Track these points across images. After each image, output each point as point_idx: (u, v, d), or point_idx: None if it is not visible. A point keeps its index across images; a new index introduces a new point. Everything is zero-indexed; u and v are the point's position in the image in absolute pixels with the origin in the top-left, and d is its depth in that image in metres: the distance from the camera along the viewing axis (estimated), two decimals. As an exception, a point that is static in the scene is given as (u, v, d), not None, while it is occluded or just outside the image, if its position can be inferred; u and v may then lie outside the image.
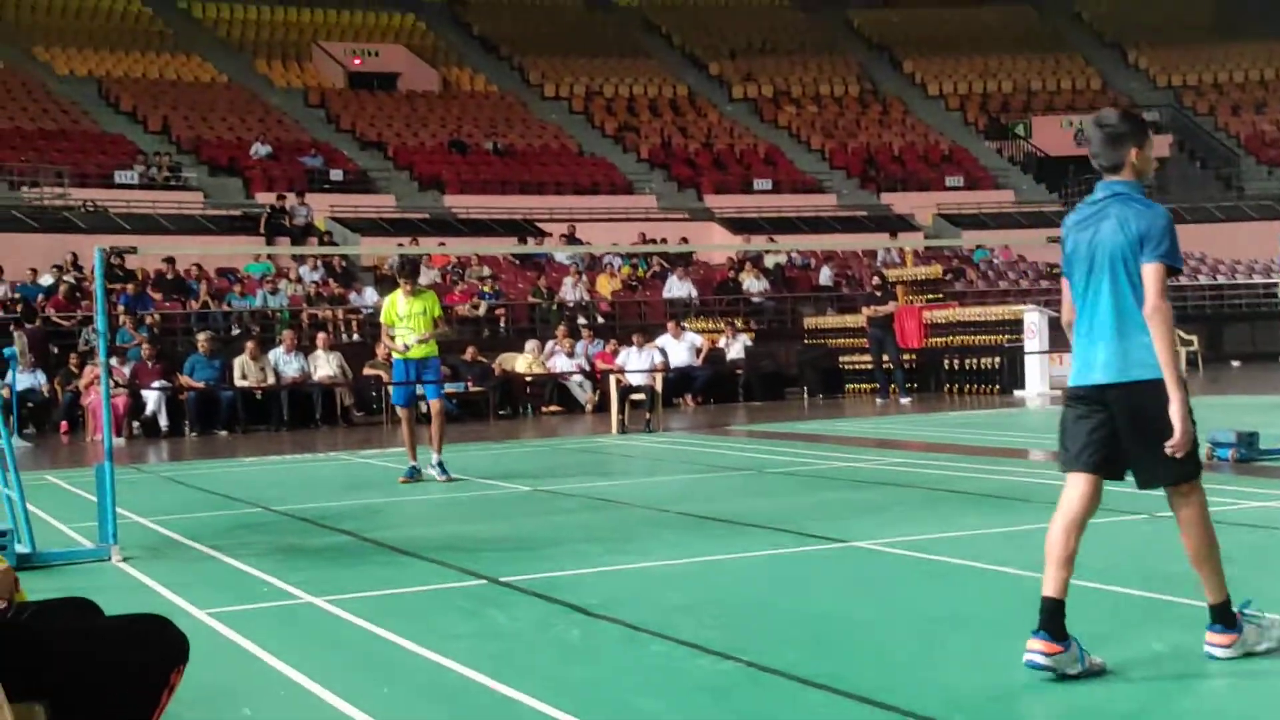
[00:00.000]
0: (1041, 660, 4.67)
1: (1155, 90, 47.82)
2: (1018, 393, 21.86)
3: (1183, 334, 27.88)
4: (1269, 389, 20.52)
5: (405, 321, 12.11)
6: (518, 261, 30.31)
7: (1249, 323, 32.24)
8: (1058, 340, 22.28)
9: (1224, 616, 5.00)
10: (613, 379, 18.30)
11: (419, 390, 12.37)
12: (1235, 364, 29.27)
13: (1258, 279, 33.70)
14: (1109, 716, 4.34)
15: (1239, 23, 50.64)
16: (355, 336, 24.84)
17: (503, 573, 7.10)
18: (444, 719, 4.58)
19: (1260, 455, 10.95)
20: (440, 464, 11.86)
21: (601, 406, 20.75)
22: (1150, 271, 4.81)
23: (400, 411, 12.62)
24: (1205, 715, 4.46)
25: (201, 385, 19.87)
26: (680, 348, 22.64)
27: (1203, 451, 10.95)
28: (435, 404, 12.19)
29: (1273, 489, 9.36)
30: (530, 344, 23.07)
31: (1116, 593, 6.12)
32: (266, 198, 32.37)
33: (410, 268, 12.84)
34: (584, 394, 22.38)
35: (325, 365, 21.11)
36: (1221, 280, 34.10)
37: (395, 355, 12.30)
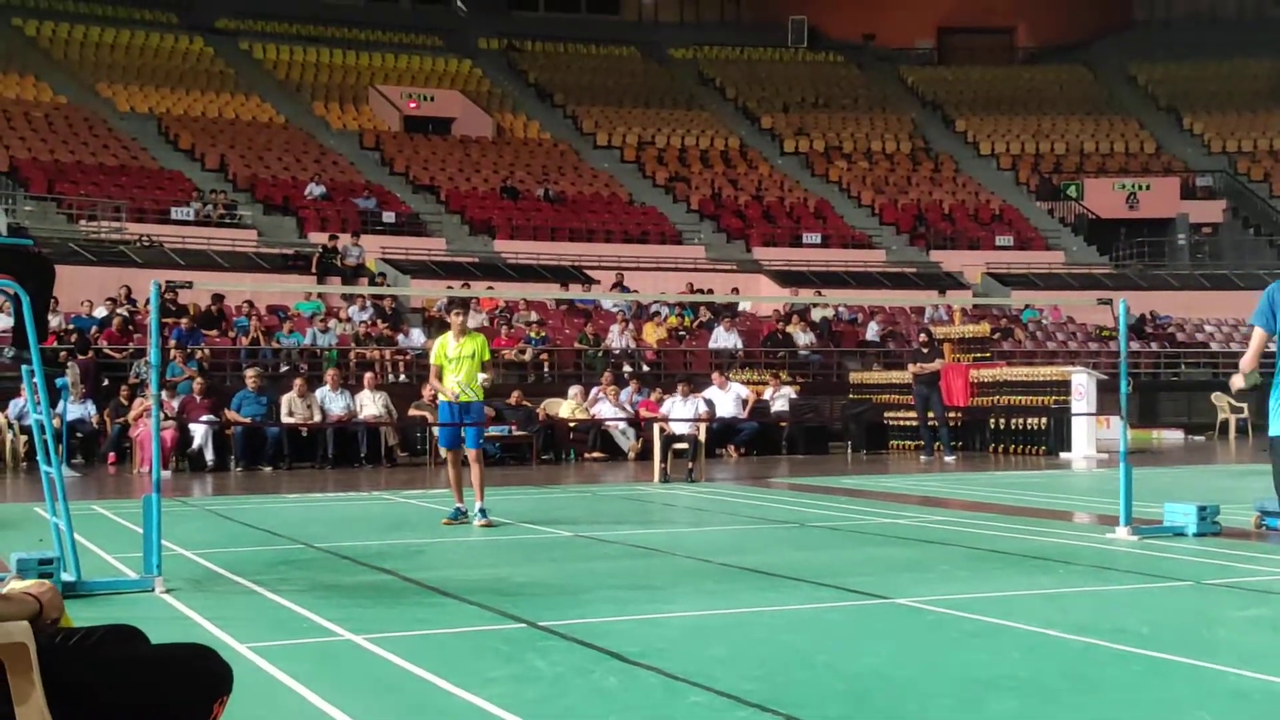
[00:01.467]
0: None
1: (1209, 156, 47.62)
2: (1063, 455, 21.71)
3: (1233, 401, 27.64)
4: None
5: (453, 365, 12.16)
6: (565, 308, 30.43)
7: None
8: (1105, 403, 22.16)
9: None
10: (656, 427, 18.30)
11: (462, 434, 12.38)
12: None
13: (1310, 347, 33.32)
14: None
15: (1296, 90, 50.41)
16: (402, 377, 24.98)
17: (542, 617, 7.10)
18: (480, 761, 4.57)
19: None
20: (482, 510, 11.87)
21: (644, 455, 20.74)
22: None
23: (445, 453, 12.67)
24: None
25: (248, 421, 20.03)
26: (726, 398, 22.63)
27: (1250, 520, 10.89)
28: (474, 453, 12.20)
29: (1322, 560, 9.24)
30: (574, 389, 23.13)
31: (1158, 658, 6.04)
32: (319, 238, 32.68)
33: (460, 304, 12.92)
34: (627, 441, 22.40)
35: (371, 404, 21.23)
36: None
37: (442, 398, 12.35)
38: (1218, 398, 28.28)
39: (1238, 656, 6.07)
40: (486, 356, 12.43)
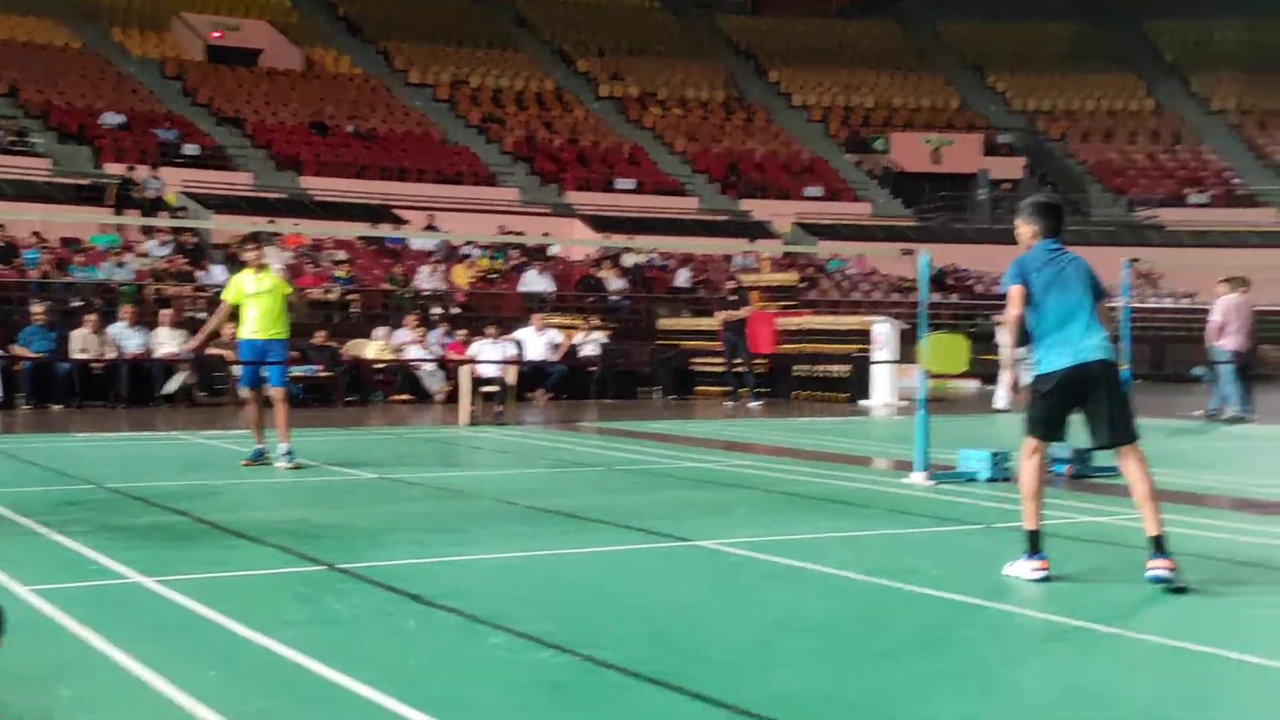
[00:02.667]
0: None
1: (1011, 114, 49.03)
2: (864, 402, 22.20)
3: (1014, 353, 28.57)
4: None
5: (253, 301, 11.81)
6: (374, 247, 29.93)
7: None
8: (906, 352, 22.69)
9: (1164, 547, 6.40)
10: (464, 369, 18.15)
11: (263, 374, 12.04)
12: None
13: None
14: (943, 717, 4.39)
15: (1093, 54, 52.19)
16: (202, 314, 24.24)
17: (341, 560, 6.98)
18: (272, 705, 4.45)
19: (1093, 472, 11.24)
20: (288, 453, 11.58)
21: (452, 397, 20.56)
22: None
23: (245, 393, 12.31)
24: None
25: (37, 356, 19.24)
26: (539, 342, 22.55)
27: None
28: (278, 392, 11.85)
29: (1104, 504, 9.61)
30: (381, 330, 22.79)
31: (950, 599, 6.21)
32: (116, 168, 31.49)
33: (253, 239, 12.43)
34: (435, 383, 22.17)
35: (169, 342, 20.59)
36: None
37: (241, 336, 11.99)
38: (999, 350, 29.19)
39: (1022, 597, 6.27)
40: (288, 290, 12.10)
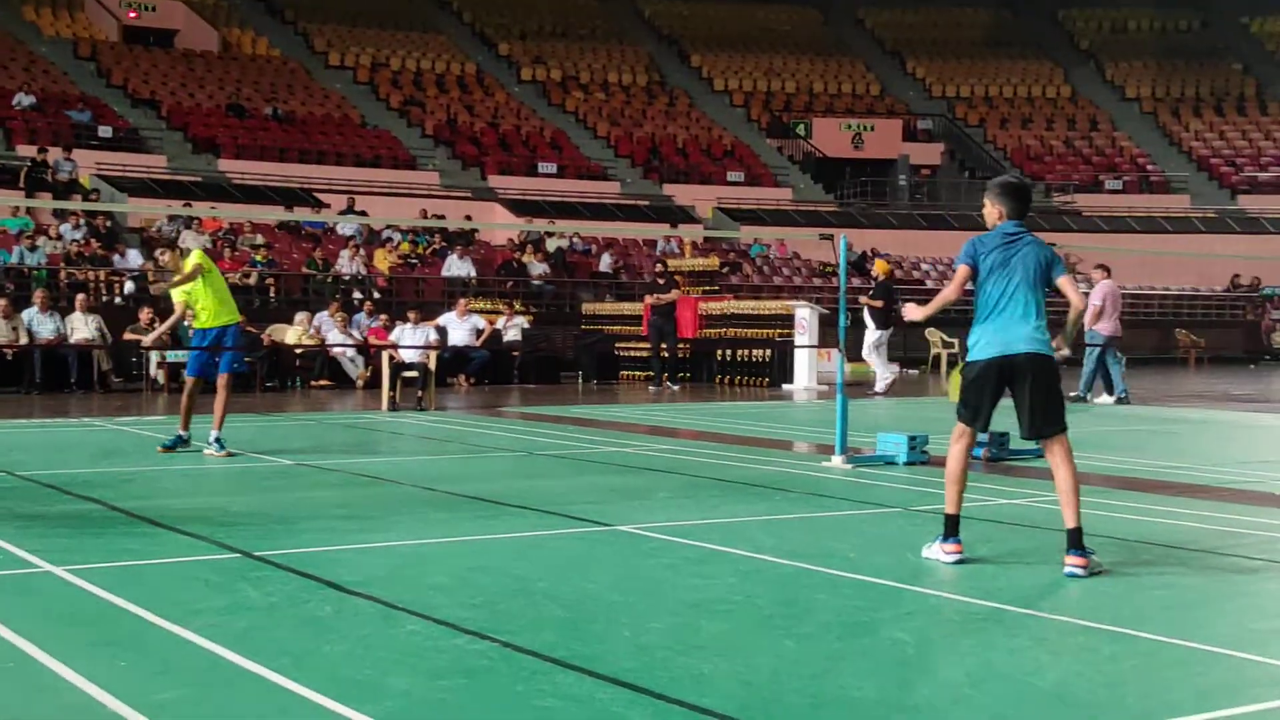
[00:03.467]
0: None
1: (930, 100, 49.46)
2: (786, 386, 22.32)
3: (944, 336, 28.92)
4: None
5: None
6: (294, 231, 29.62)
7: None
8: (826, 336, 22.86)
9: (1081, 541, 6.44)
10: (385, 355, 18.02)
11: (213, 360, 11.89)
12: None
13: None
14: (854, 702, 4.42)
15: (1010, 41, 52.77)
16: (117, 299, 23.90)
17: (257, 547, 6.91)
18: (183, 694, 4.40)
19: (1010, 455, 11.40)
20: (219, 440, 11.43)
21: (374, 383, 20.42)
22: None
23: (189, 380, 12.08)
24: (948, 694, 4.59)
25: (-53, 343, 18.87)
26: (462, 327, 22.45)
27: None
28: (223, 378, 11.69)
29: (1021, 486, 9.75)
30: (300, 315, 22.58)
31: (868, 581, 6.27)
32: (28, 150, 30.90)
33: (168, 245, 12.61)
34: (356, 369, 22.01)
35: (83, 328, 20.28)
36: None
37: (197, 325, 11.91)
38: (931, 333, 29.53)
39: (936, 579, 6.34)
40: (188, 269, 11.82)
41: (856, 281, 32.72)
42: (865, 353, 21.41)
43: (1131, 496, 9.24)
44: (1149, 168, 45.75)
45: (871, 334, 21.27)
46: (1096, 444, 12.78)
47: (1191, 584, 6.41)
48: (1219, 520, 8.24)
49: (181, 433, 11.69)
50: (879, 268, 23.51)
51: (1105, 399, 18.91)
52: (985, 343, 6.70)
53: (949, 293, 6.96)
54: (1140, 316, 36.71)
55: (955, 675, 4.76)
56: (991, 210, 6.99)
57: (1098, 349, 18.79)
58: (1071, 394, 19.39)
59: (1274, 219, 41.74)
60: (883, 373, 21.31)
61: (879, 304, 21.26)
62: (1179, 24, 53.88)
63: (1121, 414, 17.59)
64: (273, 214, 29.23)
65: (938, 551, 6.68)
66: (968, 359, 6.82)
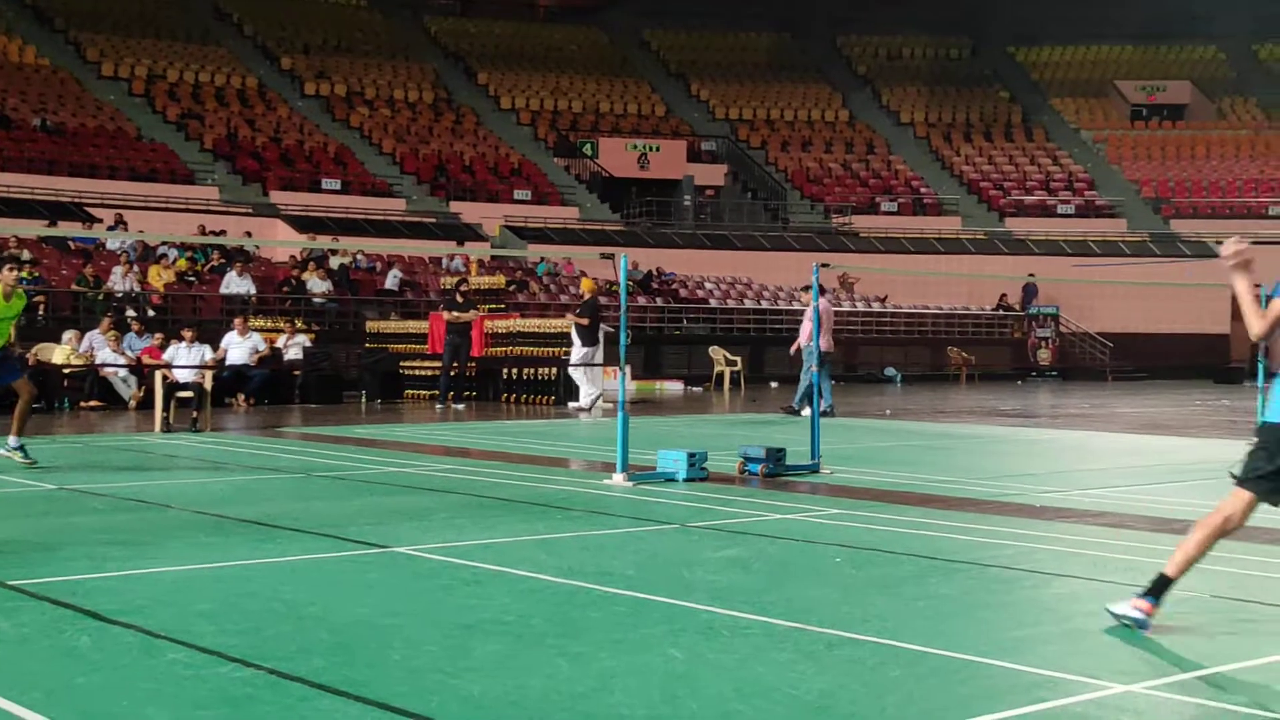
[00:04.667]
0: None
1: (714, 122, 50.32)
2: (571, 404, 22.38)
3: (727, 354, 29.41)
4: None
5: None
6: (62, 247, 28.52)
7: (787, 346, 34.32)
8: (611, 354, 23.02)
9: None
10: (159, 374, 17.48)
11: None
12: (774, 384, 31.06)
13: (797, 305, 35.97)
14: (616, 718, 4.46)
15: (791, 65, 54.08)
16: None
17: (11, 576, 6.62)
18: (-77, 735, 4.19)
19: (786, 470, 11.63)
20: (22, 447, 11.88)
21: (147, 404, 19.79)
22: None
23: None
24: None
25: None
26: (243, 346, 21.90)
27: (734, 466, 11.60)
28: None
29: (794, 502, 9.95)
30: (69, 334, 21.76)
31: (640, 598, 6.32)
32: None
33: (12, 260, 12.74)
34: (129, 389, 21.29)
35: None
36: (765, 305, 36.18)
37: None
38: (714, 351, 30.00)
39: (710, 594, 6.43)
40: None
41: (642, 300, 33.08)
42: (571, 370, 21.80)
43: (899, 510, 9.52)
44: (922, 190, 47.34)
45: (578, 351, 21.66)
46: (868, 459, 13.16)
47: (951, 594, 6.63)
48: (980, 532, 8.55)
49: None
50: (585, 285, 23.93)
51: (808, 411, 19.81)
52: None
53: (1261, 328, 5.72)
54: (914, 335, 37.98)
55: (724, 689, 4.83)
56: None
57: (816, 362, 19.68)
58: (782, 406, 20.38)
59: (1039, 240, 43.63)
60: (587, 389, 21.69)
61: (585, 321, 21.71)
62: (950, 52, 55.96)
63: (893, 429, 18.13)
64: (37, 229, 28.07)
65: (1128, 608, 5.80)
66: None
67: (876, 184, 47.66)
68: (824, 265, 13.41)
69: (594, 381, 21.96)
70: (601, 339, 21.96)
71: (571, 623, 5.84)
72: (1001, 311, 40.43)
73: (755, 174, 47.89)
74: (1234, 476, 5.75)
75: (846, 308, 36.83)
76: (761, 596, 6.40)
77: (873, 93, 53.25)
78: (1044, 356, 39.41)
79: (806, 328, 19.54)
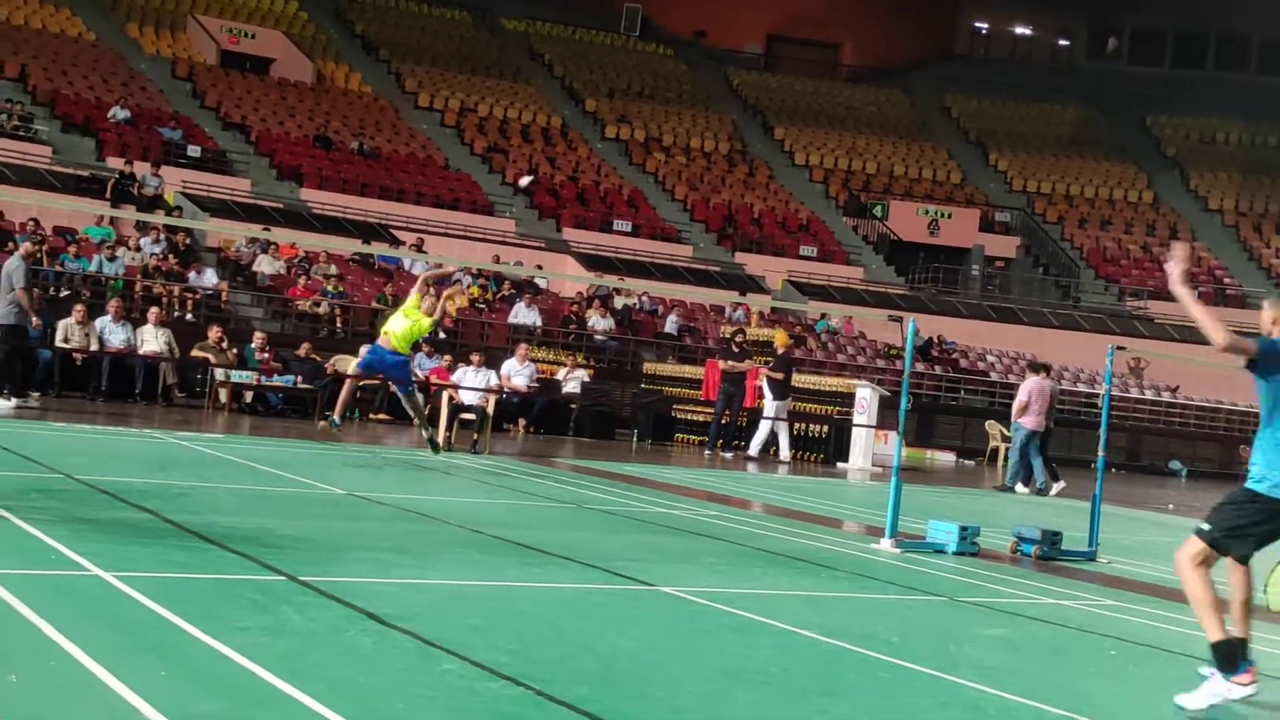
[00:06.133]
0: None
1: (1010, 193, 49.34)
2: (840, 464, 22.22)
3: (1004, 430, 28.70)
4: (1078, 493, 21.14)
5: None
6: (375, 264, 29.94)
7: (1068, 428, 33.29)
8: (886, 418, 22.77)
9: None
10: (445, 394, 18.14)
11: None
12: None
13: (1082, 388, 34.85)
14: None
15: (1095, 141, 52.65)
16: (189, 316, 24.24)
17: (303, 572, 6.96)
18: (218, 709, 4.44)
19: (1061, 555, 11.28)
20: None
21: (431, 420, 20.52)
22: None
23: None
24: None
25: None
26: (524, 374, 22.56)
27: (1007, 545, 11.31)
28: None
29: (1068, 588, 9.64)
30: (365, 348, 22.74)
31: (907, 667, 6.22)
32: (118, 163, 31.50)
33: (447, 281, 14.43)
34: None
35: (153, 340, 20.57)
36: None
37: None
38: (991, 425, 29.32)
39: (977, 671, 6.28)
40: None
41: (921, 367, 32.63)
42: (763, 423, 22.44)
43: (1177, 608, 9.07)
44: (1226, 280, 45.34)
45: (770, 404, 22.10)
46: (1146, 552, 12.63)
47: (1234, 703, 6.30)
48: (1267, 641, 8.09)
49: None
50: (779, 340, 23.76)
51: (1022, 488, 20.14)
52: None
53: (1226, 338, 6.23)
54: (1205, 429, 36.30)
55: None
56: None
57: (1024, 440, 20.05)
58: (994, 484, 20.81)
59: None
60: (761, 437, 22.30)
61: (779, 376, 21.68)
62: (1267, 139, 53.55)
63: (1175, 524, 17.36)
64: (349, 245, 29.52)
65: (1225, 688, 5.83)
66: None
67: (1176, 269, 45.79)
68: (1119, 348, 12.98)
69: (779, 433, 22.43)
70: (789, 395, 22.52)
71: (833, 682, 5.80)
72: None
73: (1048, 249, 46.72)
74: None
75: (1134, 394, 35.50)
76: (1031, 680, 6.22)
77: (1180, 175, 51.37)
78: (1345, 466, 37.06)
79: (1019, 402, 20.15)
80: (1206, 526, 6.00)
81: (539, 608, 6.85)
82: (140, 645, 5.17)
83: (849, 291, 39.03)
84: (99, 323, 20.34)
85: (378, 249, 29.27)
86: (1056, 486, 20.03)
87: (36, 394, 18.52)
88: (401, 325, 14.97)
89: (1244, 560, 6.01)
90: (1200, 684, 5.81)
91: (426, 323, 15.02)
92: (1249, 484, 5.98)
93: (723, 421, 22.45)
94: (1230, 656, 5.71)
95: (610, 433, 24.18)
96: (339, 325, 26.09)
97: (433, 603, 6.68)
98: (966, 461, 28.91)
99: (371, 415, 21.82)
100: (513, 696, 4.93)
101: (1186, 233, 48.06)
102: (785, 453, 22.14)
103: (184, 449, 13.47)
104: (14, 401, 16.60)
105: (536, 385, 23.14)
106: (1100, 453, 12.20)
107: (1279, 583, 9.39)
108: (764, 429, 22.28)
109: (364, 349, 16.79)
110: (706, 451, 22.21)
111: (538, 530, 9.96)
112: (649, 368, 27.20)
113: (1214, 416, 36.71)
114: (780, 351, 22.80)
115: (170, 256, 26.24)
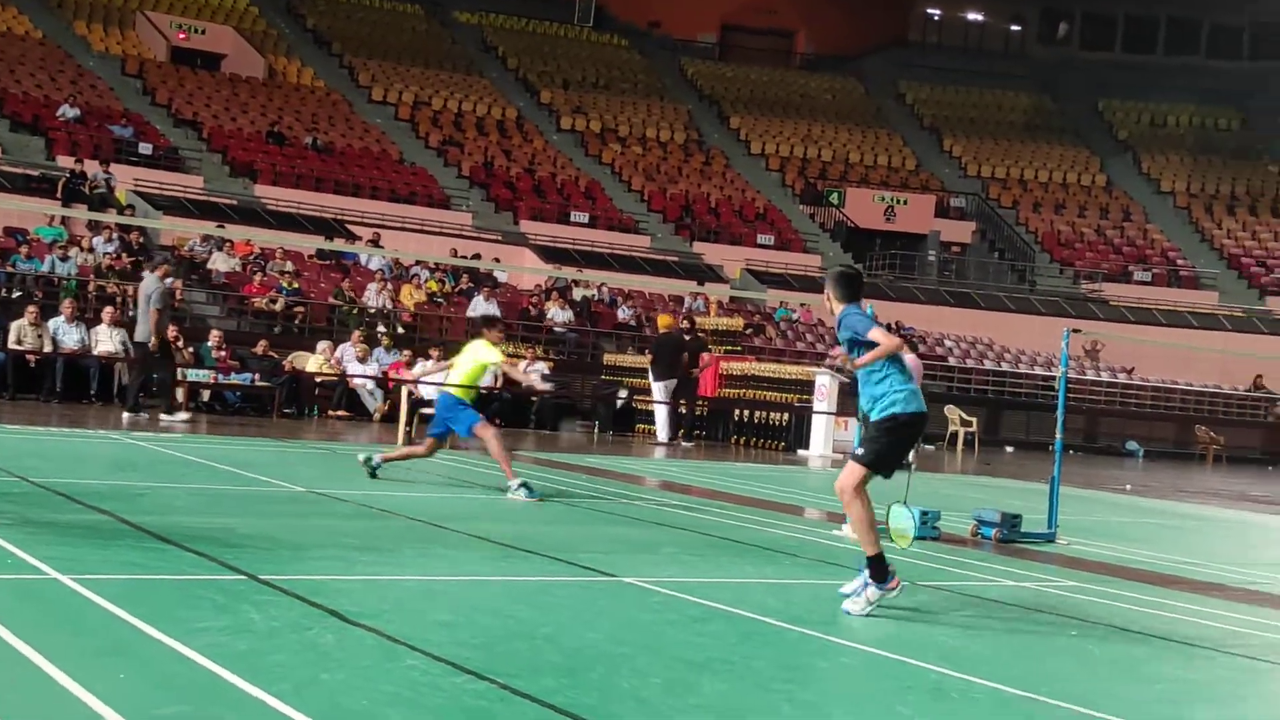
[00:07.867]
0: None
1: (965, 178, 49.60)
2: (801, 451, 22.29)
3: (963, 414, 28.85)
4: (1037, 476, 21.30)
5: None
6: (330, 261, 29.78)
7: (1026, 411, 33.52)
8: (845, 405, 22.84)
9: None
10: (405, 390, 18.08)
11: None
12: (1009, 449, 30.38)
13: (1039, 370, 35.07)
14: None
15: (1049, 127, 52.99)
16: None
17: (263, 570, 6.92)
18: (179, 711, 4.40)
19: (1021, 537, 11.35)
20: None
21: (391, 417, 20.47)
22: None
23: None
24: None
25: (-28, 345, 19.00)
26: (535, 371, 22.51)
27: (967, 529, 11.37)
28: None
29: (1029, 570, 9.70)
30: (322, 344, 22.68)
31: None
32: (69, 162, 31.20)
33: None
34: (374, 402, 22.07)
35: (108, 340, 20.40)
36: (1005, 368, 35.39)
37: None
38: (949, 410, 29.47)
39: (939, 654, 6.31)
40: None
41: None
42: (657, 407, 22.76)
43: (1137, 587, 9.18)
44: (1179, 262, 45.73)
45: (654, 387, 22.56)
46: (1105, 533, 12.74)
47: (1193, 679, 6.36)
48: (1223, 618, 8.18)
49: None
50: (661, 322, 24.09)
51: None
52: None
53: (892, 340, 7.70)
54: (1161, 410, 36.62)
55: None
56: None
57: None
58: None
59: (1302, 322, 41.67)
60: (663, 422, 22.45)
61: (651, 358, 22.59)
62: (1218, 122, 54.04)
63: (1132, 505, 17.51)
64: (309, 242, 29.36)
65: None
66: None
67: (1131, 252, 46.25)
68: (1075, 331, 13.06)
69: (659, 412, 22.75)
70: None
71: (798, 669, 5.81)
72: (1257, 393, 38.67)
73: (1004, 234, 46.99)
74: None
75: (1090, 376, 35.76)
76: (992, 662, 6.25)
77: (1133, 159, 51.78)
78: (1301, 443, 37.49)
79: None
80: (861, 452, 7.43)
81: (503, 602, 6.83)
82: (100, 648, 5.12)
83: (807, 279, 39.16)
84: (52, 324, 20.16)
85: (338, 245, 29.11)
86: None
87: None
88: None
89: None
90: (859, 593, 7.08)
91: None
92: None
93: (680, 411, 22.48)
94: (884, 568, 7.08)
95: (571, 425, 24.15)
96: (297, 322, 25.93)
97: (395, 599, 6.65)
98: (927, 447, 29.03)
99: (330, 412, 21.71)
100: (478, 691, 4.92)
101: (1139, 215, 48.47)
102: (663, 434, 22.26)
103: (140, 449, 13.36)
104: None
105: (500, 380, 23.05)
106: (1058, 435, 12.29)
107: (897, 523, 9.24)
108: (661, 414, 22.40)
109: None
110: (662, 441, 22.21)
111: (500, 524, 9.94)
112: (609, 359, 27.19)
113: (1169, 397, 37.04)
114: (661, 333, 23.10)
115: (123, 255, 26.00)
